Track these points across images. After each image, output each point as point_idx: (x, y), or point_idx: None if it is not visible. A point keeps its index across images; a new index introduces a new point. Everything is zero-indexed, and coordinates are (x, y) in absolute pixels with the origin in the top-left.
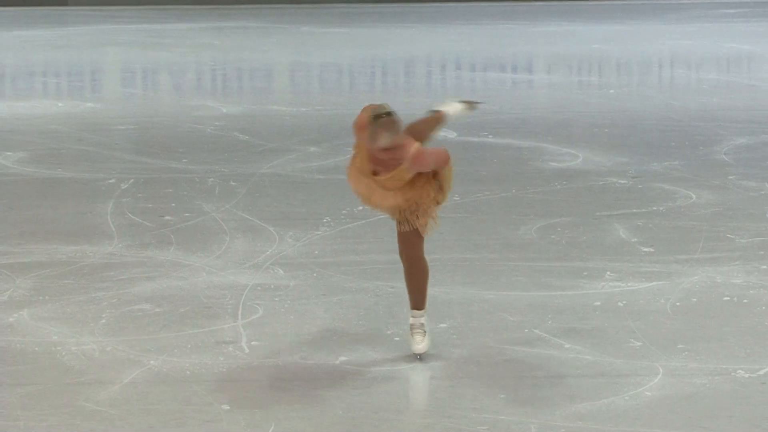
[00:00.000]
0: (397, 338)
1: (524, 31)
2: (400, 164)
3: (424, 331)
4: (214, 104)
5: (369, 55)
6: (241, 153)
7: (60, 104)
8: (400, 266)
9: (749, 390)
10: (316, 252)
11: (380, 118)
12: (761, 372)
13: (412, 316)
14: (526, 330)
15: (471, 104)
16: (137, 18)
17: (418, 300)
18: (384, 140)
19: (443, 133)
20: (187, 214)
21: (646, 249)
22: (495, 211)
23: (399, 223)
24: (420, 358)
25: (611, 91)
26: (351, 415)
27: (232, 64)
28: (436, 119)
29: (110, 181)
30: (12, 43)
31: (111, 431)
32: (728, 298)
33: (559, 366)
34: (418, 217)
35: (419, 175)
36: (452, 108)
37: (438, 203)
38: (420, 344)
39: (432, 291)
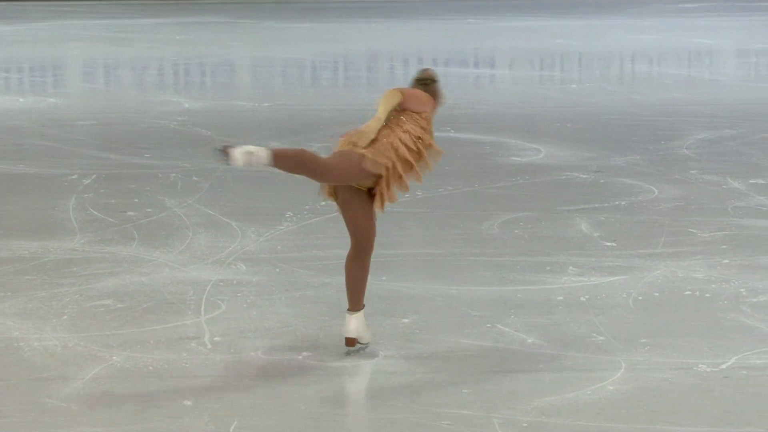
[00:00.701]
0: None
1: (486, 26)
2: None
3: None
4: (176, 99)
5: (331, 50)
6: (204, 148)
7: (22, 100)
8: None
9: (712, 384)
10: (279, 247)
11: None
12: (723, 366)
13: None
14: (489, 325)
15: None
16: (100, 13)
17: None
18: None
19: None
20: (149, 210)
21: (608, 243)
22: (458, 206)
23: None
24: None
25: (573, 85)
26: (314, 411)
27: (194, 59)
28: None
29: (73, 177)
30: None
31: (74, 427)
32: (690, 293)
33: (522, 361)
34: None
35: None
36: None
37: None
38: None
39: (395, 286)
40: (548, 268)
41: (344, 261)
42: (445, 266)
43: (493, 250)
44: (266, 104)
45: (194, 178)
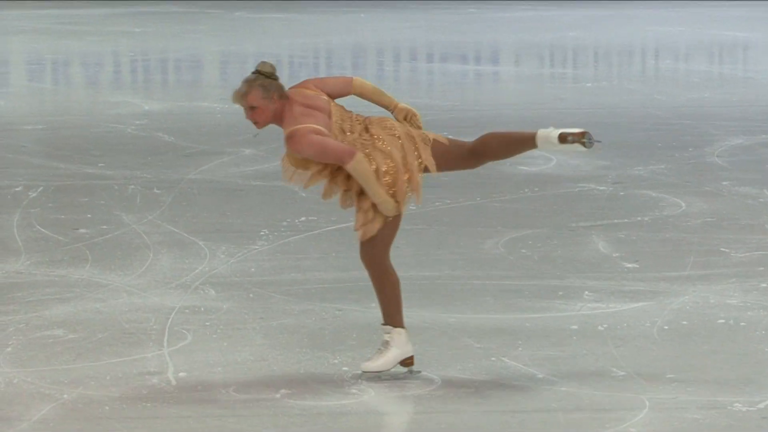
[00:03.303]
0: (345, 368)
1: (488, 17)
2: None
3: (380, 349)
4: (134, 100)
5: (311, 45)
6: (165, 156)
7: None
8: (349, 285)
9: (747, 425)
10: (253, 269)
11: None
12: (761, 405)
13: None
14: (494, 358)
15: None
16: (45, 2)
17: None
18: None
19: None
20: (104, 227)
21: (629, 265)
22: (457, 222)
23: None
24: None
25: (588, 84)
26: None
27: (154, 54)
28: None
29: (16, 189)
30: None
31: None
32: (723, 321)
33: (532, 399)
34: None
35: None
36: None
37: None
38: (368, 361)
39: None
40: (560, 293)
41: (332, 284)
42: (442, 291)
43: (498, 273)
44: (237, 106)
45: (155, 191)
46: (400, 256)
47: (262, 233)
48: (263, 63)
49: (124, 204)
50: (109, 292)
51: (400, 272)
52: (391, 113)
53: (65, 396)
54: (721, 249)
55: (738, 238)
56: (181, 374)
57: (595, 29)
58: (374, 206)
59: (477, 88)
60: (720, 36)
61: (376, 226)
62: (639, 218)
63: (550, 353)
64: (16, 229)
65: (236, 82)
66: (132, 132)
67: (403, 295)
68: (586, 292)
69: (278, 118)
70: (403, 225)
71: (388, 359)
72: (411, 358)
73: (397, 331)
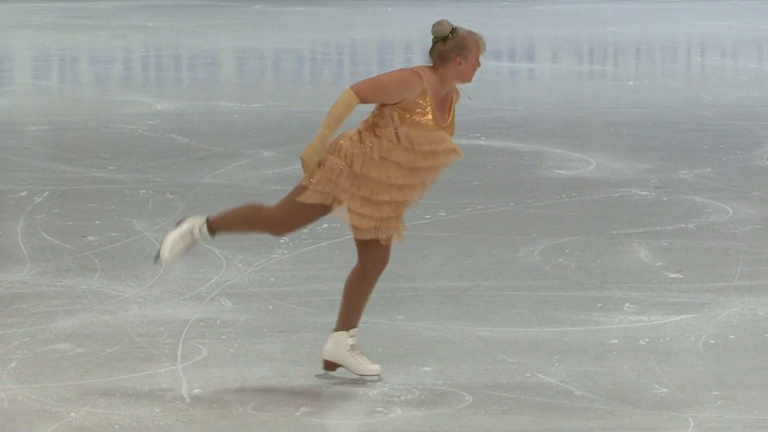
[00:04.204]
0: (370, 384)
1: (523, 10)
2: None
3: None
4: (146, 99)
5: (334, 39)
6: (179, 159)
7: None
8: (374, 297)
9: None
10: (272, 279)
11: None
12: None
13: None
14: (529, 374)
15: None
16: None
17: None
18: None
19: None
20: (114, 234)
21: (672, 275)
22: (490, 230)
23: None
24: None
25: (630, 83)
26: None
27: (167, 50)
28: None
29: (21, 194)
30: None
31: None
32: None
33: (569, 417)
34: None
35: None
36: None
37: None
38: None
39: (413, 327)
40: (600, 305)
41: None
42: (473, 302)
43: (533, 283)
44: (255, 105)
45: (168, 196)
46: (428, 264)
47: (281, 241)
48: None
49: (136, 210)
50: (119, 304)
51: (430, 283)
52: None
53: (72, 414)
54: None
55: None
56: (196, 391)
57: (636, 24)
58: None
59: (512, 87)
60: None
61: (303, 182)
62: (683, 225)
63: (589, 369)
64: (21, 237)
65: (254, 80)
66: (144, 133)
67: (433, 308)
68: (627, 304)
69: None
70: (432, 232)
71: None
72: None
73: (193, 220)
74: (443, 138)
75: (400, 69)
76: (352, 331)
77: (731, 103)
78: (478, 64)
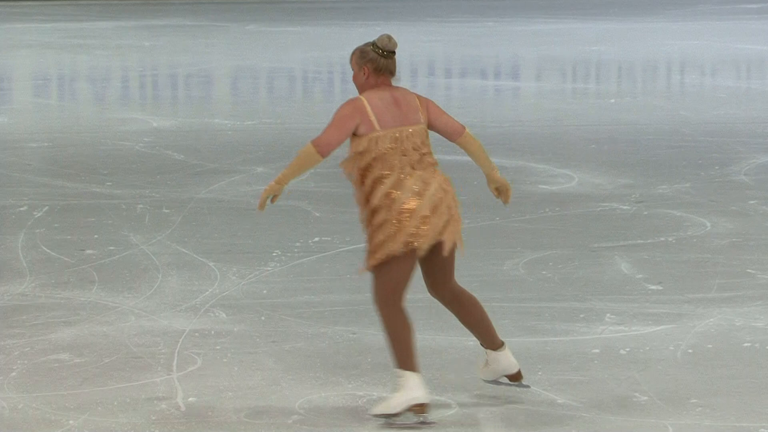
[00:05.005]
0: (360, 393)
1: (508, 30)
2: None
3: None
4: (143, 117)
5: (325, 58)
6: (175, 175)
7: None
8: (363, 308)
9: None
10: (265, 291)
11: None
12: None
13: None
14: (513, 384)
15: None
16: (53, 15)
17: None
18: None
19: None
20: (111, 248)
21: (652, 287)
22: (476, 243)
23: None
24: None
25: (611, 100)
26: None
27: (163, 69)
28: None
29: (21, 209)
30: None
31: None
32: (749, 344)
33: (551, 424)
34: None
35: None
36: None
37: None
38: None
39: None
40: (582, 315)
41: (346, 307)
42: None
43: (517, 295)
44: (249, 122)
45: (164, 210)
46: (418, 278)
47: (274, 254)
48: (385, 35)
49: (132, 224)
50: (116, 315)
51: (417, 294)
52: (486, 177)
53: (71, 422)
54: (748, 270)
55: (765, 258)
56: (191, 400)
57: (618, 43)
58: (376, 241)
59: (497, 105)
60: (747, 50)
61: (371, 262)
62: (663, 238)
63: (571, 378)
64: (21, 250)
65: (248, 97)
66: (140, 149)
67: (420, 319)
68: (608, 315)
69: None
70: None
71: (393, 402)
72: (423, 405)
73: (408, 375)
74: None
75: None
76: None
77: (709, 120)
78: None
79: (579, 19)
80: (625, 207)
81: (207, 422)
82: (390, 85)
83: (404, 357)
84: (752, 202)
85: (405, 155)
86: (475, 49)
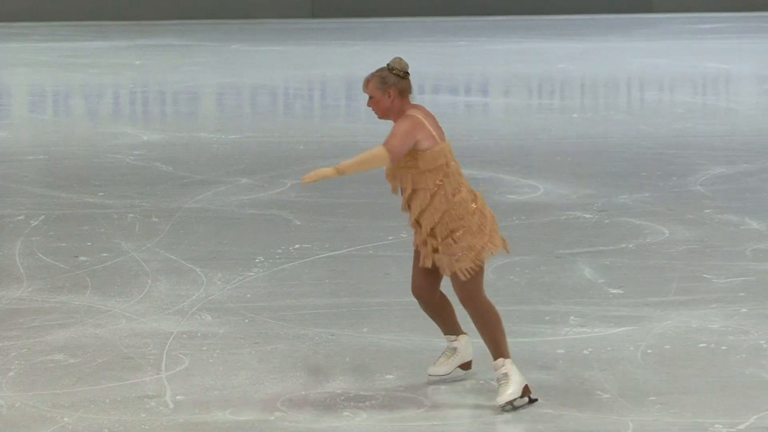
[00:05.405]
0: (338, 391)
1: (478, 49)
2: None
3: (506, 381)
4: (133, 131)
5: (306, 76)
6: (164, 186)
7: None
8: (342, 311)
9: None
10: (248, 295)
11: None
12: (741, 426)
13: (494, 368)
14: (482, 381)
15: None
16: (48, 35)
17: (491, 349)
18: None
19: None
20: (104, 254)
21: (614, 291)
22: None
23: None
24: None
25: (575, 115)
26: None
27: (153, 86)
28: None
29: (19, 218)
30: None
31: None
32: (705, 345)
33: (519, 421)
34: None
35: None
36: None
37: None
38: (499, 395)
39: (377, 338)
40: (547, 318)
41: (325, 310)
42: None
43: None
44: (233, 136)
45: (153, 219)
46: (391, 282)
47: (257, 260)
48: (396, 58)
49: (124, 232)
50: (108, 318)
51: (393, 298)
52: None
53: (66, 419)
54: (703, 275)
55: (719, 264)
56: (179, 397)
57: (581, 62)
58: (461, 246)
59: (468, 119)
60: (702, 68)
61: (470, 265)
62: (624, 245)
63: (537, 376)
64: (18, 257)
65: (233, 113)
66: (131, 162)
67: (395, 321)
68: (572, 317)
69: (393, 117)
70: (395, 252)
71: (515, 387)
72: (528, 387)
73: (510, 361)
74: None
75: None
76: (449, 337)
77: (668, 134)
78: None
79: (546, 39)
80: (588, 216)
81: (194, 419)
82: (411, 103)
83: (506, 345)
84: (708, 211)
85: (457, 166)
86: (448, 67)
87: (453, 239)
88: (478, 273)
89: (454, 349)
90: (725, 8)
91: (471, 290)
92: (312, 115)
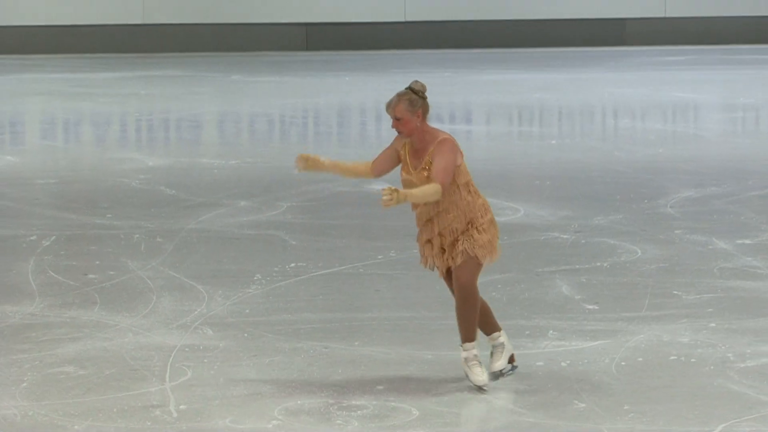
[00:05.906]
0: (332, 400)
1: (461, 80)
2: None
3: (479, 362)
4: (139, 157)
5: (300, 105)
6: (167, 208)
7: None
8: (335, 325)
9: None
10: (247, 311)
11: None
12: None
13: (464, 350)
14: (467, 392)
15: None
16: (59, 67)
17: (468, 332)
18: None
19: (370, 185)
20: (111, 272)
21: (590, 306)
22: None
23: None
24: (485, 389)
25: (553, 141)
26: None
27: (158, 114)
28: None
29: (31, 238)
30: None
31: None
32: (675, 357)
33: (503, 428)
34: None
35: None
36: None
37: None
38: (481, 375)
39: (368, 351)
40: (527, 332)
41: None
42: (420, 330)
43: None
44: (233, 162)
45: (158, 239)
46: (381, 298)
47: (255, 278)
48: (416, 81)
49: (130, 251)
50: (115, 332)
51: (382, 313)
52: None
53: (76, 427)
54: (674, 292)
55: (689, 282)
56: (182, 407)
57: (558, 91)
58: (493, 240)
59: None
60: (672, 97)
61: (486, 254)
62: (599, 264)
63: (518, 387)
64: (31, 275)
65: (232, 139)
66: (137, 186)
67: (384, 335)
68: (551, 332)
69: (418, 135)
70: (385, 270)
71: (505, 357)
72: (513, 355)
73: (502, 332)
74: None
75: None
76: (466, 345)
77: (640, 159)
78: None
79: (525, 70)
80: (565, 236)
81: (196, 427)
82: (430, 126)
83: (492, 321)
84: (678, 231)
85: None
86: (433, 96)
87: (477, 230)
88: (479, 267)
89: (502, 344)
90: (692, 41)
91: (471, 275)
92: (306, 141)
